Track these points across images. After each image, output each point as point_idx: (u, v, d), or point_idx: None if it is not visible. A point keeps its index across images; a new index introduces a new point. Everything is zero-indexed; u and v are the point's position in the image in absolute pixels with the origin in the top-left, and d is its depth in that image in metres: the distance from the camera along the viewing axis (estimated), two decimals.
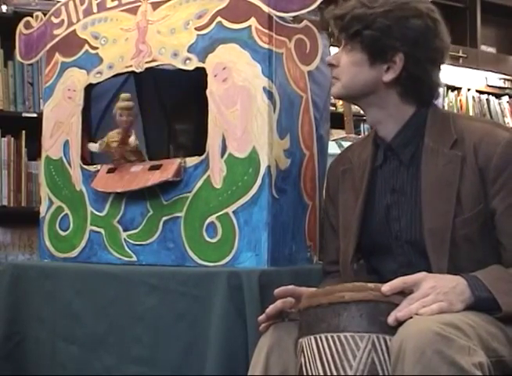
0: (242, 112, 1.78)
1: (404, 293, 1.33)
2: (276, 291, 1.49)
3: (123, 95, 2.01)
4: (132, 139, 1.99)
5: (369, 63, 1.54)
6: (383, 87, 1.56)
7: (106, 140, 2.01)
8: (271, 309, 1.47)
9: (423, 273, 1.36)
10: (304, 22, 1.80)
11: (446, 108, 4.80)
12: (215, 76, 1.83)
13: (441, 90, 4.95)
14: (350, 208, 1.64)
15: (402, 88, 1.55)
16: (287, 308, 1.48)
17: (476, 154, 1.48)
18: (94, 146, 2.05)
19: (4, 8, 3.33)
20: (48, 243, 2.17)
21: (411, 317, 1.27)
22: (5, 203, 3.34)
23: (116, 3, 2.07)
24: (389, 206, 1.58)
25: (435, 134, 1.54)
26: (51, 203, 2.17)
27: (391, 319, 1.28)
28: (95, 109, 2.19)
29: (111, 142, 2.00)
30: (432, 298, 1.31)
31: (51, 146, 2.18)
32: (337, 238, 1.69)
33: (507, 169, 1.46)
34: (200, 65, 1.87)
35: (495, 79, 5.28)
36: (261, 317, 1.49)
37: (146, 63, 1.98)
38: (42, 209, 2.20)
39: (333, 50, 1.67)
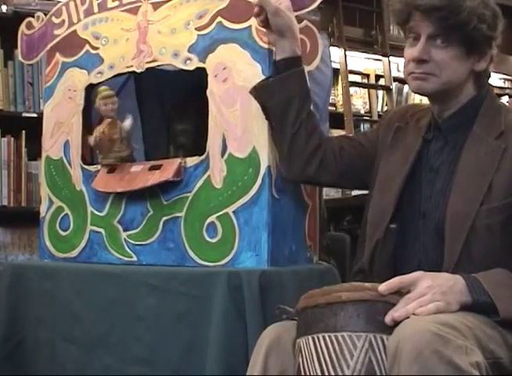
0: (242, 112, 1.79)
1: (401, 292, 1.33)
2: None
3: (101, 88, 2.02)
4: (127, 123, 2.00)
5: (467, 55, 1.52)
6: (469, 77, 1.55)
7: (97, 133, 2.01)
8: None
9: (420, 272, 1.36)
10: (304, 22, 1.80)
11: None
12: (215, 76, 1.84)
13: None
14: (396, 167, 1.62)
15: (483, 74, 1.56)
16: None
17: None
18: (91, 140, 2.04)
19: (4, 8, 3.33)
20: (48, 243, 2.17)
21: (408, 317, 1.27)
22: (5, 203, 3.34)
23: (117, 3, 2.07)
24: (424, 183, 1.58)
25: (485, 122, 1.55)
26: (51, 203, 2.17)
27: (387, 319, 1.27)
28: (96, 109, 2.19)
29: (100, 132, 2.00)
30: (429, 298, 1.31)
31: (51, 146, 2.18)
32: (351, 145, 1.74)
33: None
34: (201, 65, 1.87)
35: (495, 79, 5.29)
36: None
37: (147, 63, 1.98)
38: (42, 209, 2.20)
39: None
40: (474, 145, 1.53)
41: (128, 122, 2.00)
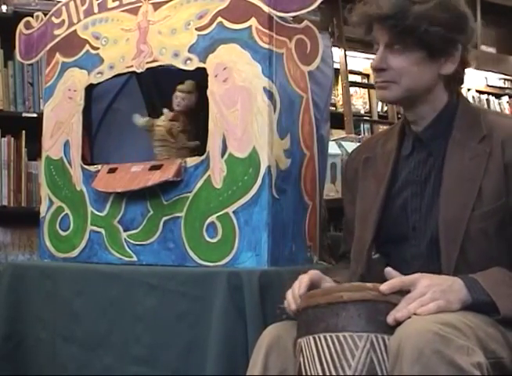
0: (242, 112, 1.79)
1: (402, 292, 1.33)
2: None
3: (187, 81, 2.00)
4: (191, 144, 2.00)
5: (429, 59, 1.51)
6: (437, 81, 1.54)
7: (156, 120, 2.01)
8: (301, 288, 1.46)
9: (419, 273, 1.36)
10: (305, 22, 1.80)
11: None
12: (216, 76, 1.84)
13: None
14: (370, 196, 1.62)
15: (453, 77, 1.55)
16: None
17: (503, 150, 1.48)
18: (140, 120, 2.04)
19: (4, 8, 3.34)
20: (48, 243, 2.17)
21: (409, 317, 1.27)
22: (5, 203, 3.34)
23: (117, 3, 2.07)
24: (411, 196, 1.57)
25: (464, 127, 1.54)
26: (51, 203, 2.17)
27: (390, 319, 1.28)
28: (96, 109, 2.20)
29: (161, 121, 2.01)
30: (429, 297, 1.31)
31: (51, 146, 2.18)
32: (350, 231, 1.68)
33: None
34: (201, 65, 1.87)
35: (495, 79, 5.29)
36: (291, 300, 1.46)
37: (147, 63, 1.98)
38: (42, 209, 2.20)
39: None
40: (456, 151, 1.52)
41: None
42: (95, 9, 2.12)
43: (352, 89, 4.82)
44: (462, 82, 1.60)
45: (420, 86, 1.53)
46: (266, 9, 1.78)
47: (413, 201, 1.56)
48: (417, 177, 1.57)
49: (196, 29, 1.89)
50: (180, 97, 1.99)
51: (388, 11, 1.49)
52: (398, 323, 1.26)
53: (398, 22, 1.48)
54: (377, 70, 1.54)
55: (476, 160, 1.49)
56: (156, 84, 2.26)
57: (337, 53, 4.44)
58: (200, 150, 1.89)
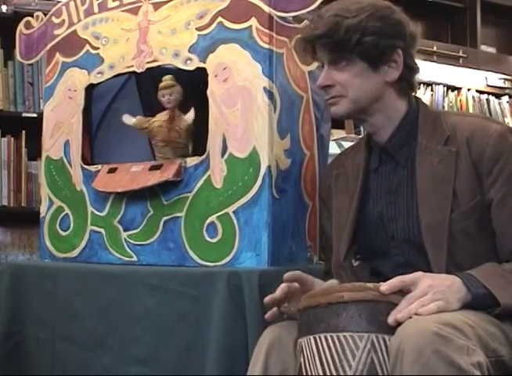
0: (242, 112, 1.79)
1: (402, 292, 1.33)
2: (285, 275, 1.49)
3: (164, 77, 1.97)
4: (189, 116, 1.95)
5: (372, 69, 1.54)
6: (385, 89, 1.56)
7: (149, 120, 1.98)
8: (278, 291, 1.48)
9: (420, 272, 1.37)
10: (305, 22, 1.80)
11: (446, 108, 4.80)
12: (216, 76, 1.84)
13: (441, 90, 4.96)
14: (344, 211, 1.64)
15: (401, 83, 1.57)
16: (292, 293, 1.50)
17: (469, 148, 1.50)
18: (129, 119, 2.00)
19: (4, 8, 3.34)
20: (48, 243, 2.17)
21: (410, 317, 1.28)
22: (5, 203, 3.34)
23: (117, 3, 2.07)
24: (386, 206, 1.58)
25: (428, 132, 1.56)
26: (51, 203, 2.17)
27: (391, 319, 1.28)
28: (96, 109, 2.20)
29: (154, 122, 1.97)
30: (430, 297, 1.32)
31: (51, 146, 2.18)
32: (331, 247, 1.69)
33: (500, 160, 1.48)
34: (201, 65, 1.87)
35: (495, 79, 5.28)
36: (268, 300, 1.48)
37: (147, 63, 1.98)
38: (42, 209, 2.20)
39: None
40: (424, 156, 1.54)
41: (189, 115, 1.96)
42: (96, 9, 2.12)
43: None
44: (413, 87, 1.61)
45: (367, 96, 1.56)
46: (266, 8, 1.78)
47: (388, 211, 1.58)
48: (389, 187, 1.59)
49: (196, 29, 1.89)
50: (167, 94, 1.95)
51: (321, 30, 1.54)
52: (399, 323, 1.27)
53: (332, 38, 1.53)
54: (324, 87, 1.59)
55: (445, 162, 1.51)
56: (154, 86, 2.26)
57: None
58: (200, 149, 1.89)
